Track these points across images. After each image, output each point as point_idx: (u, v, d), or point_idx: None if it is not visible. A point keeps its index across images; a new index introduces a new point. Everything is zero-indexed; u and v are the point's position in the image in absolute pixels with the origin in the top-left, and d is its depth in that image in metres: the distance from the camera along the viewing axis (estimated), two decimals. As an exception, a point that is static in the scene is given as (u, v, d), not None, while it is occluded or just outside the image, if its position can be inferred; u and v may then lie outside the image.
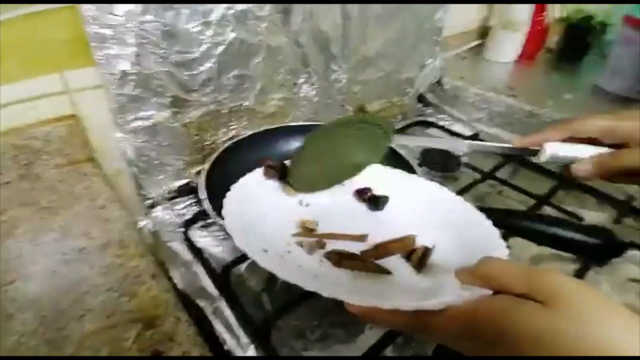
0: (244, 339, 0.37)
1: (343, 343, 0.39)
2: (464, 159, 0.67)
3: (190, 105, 0.51)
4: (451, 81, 0.83)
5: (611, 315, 0.17)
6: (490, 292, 0.21)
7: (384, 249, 0.32)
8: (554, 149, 0.34)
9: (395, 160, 0.51)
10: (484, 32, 1.02)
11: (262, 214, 0.35)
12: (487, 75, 0.85)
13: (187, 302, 0.38)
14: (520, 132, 0.71)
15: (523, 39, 0.93)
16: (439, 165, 0.66)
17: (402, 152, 0.53)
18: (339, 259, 0.31)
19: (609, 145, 0.34)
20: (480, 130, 0.75)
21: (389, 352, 0.38)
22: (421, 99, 0.84)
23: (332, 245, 0.34)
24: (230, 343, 0.36)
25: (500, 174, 0.62)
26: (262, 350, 0.36)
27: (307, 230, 0.35)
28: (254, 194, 0.36)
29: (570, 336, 0.17)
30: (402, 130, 0.76)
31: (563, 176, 0.40)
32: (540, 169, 0.64)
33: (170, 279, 0.42)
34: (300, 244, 0.33)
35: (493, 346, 0.19)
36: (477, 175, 0.62)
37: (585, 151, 0.34)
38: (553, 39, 1.01)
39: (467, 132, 0.76)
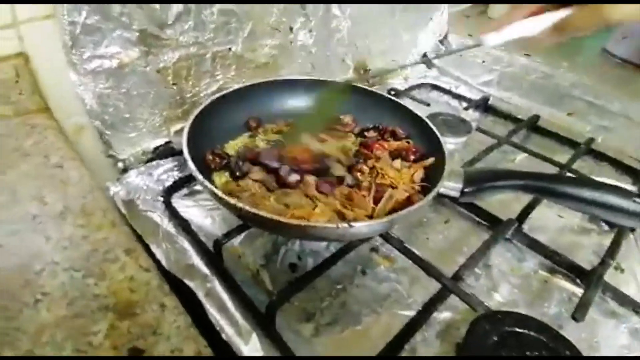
0: (245, 325, 0.30)
1: (356, 325, 0.34)
2: (474, 124, 0.62)
3: (164, 44, 0.42)
4: (458, 38, 0.75)
5: None
6: None
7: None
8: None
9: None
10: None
11: None
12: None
13: (173, 284, 0.31)
14: (534, 98, 0.66)
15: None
16: (449, 129, 0.60)
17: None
18: None
19: None
20: (489, 94, 0.69)
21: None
22: (426, 61, 0.77)
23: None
24: (228, 331, 0.30)
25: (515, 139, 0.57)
26: (265, 338, 0.30)
27: None
28: None
29: None
30: (405, 93, 0.69)
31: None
32: (554, 135, 0.60)
33: (151, 256, 0.34)
34: None
35: None
36: (490, 141, 0.56)
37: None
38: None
39: (475, 97, 0.70)
